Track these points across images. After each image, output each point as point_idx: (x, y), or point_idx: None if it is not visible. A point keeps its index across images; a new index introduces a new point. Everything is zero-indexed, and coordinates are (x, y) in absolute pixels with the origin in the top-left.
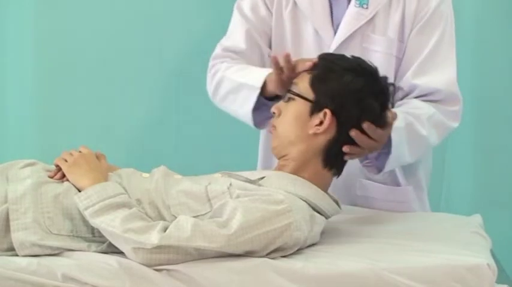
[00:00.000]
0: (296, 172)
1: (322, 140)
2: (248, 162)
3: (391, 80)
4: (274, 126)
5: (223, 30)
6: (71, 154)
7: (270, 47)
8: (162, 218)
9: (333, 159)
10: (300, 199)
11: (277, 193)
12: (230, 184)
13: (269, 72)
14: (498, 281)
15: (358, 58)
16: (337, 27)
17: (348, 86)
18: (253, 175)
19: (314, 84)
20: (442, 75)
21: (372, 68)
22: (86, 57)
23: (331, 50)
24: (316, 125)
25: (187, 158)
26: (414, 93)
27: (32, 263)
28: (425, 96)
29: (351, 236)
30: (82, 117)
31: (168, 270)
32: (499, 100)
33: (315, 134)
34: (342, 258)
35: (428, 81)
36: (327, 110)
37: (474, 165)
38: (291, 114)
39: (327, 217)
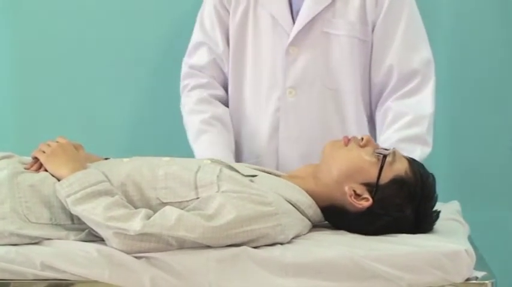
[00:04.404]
0: (301, 186)
1: (343, 203)
2: None
3: (355, 63)
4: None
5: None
6: (49, 145)
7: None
8: (146, 200)
9: (331, 215)
10: (289, 202)
11: (267, 194)
12: (220, 171)
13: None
14: (477, 268)
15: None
16: (297, 15)
17: (402, 211)
18: (244, 170)
19: (395, 181)
20: (417, 56)
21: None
22: (64, 49)
23: (291, 37)
24: (355, 196)
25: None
26: (393, 80)
27: (10, 251)
28: (403, 81)
29: (330, 228)
30: (60, 112)
31: (147, 258)
32: (475, 87)
33: (345, 196)
34: (319, 246)
35: (404, 64)
36: (371, 201)
37: (450, 151)
38: (353, 160)
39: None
